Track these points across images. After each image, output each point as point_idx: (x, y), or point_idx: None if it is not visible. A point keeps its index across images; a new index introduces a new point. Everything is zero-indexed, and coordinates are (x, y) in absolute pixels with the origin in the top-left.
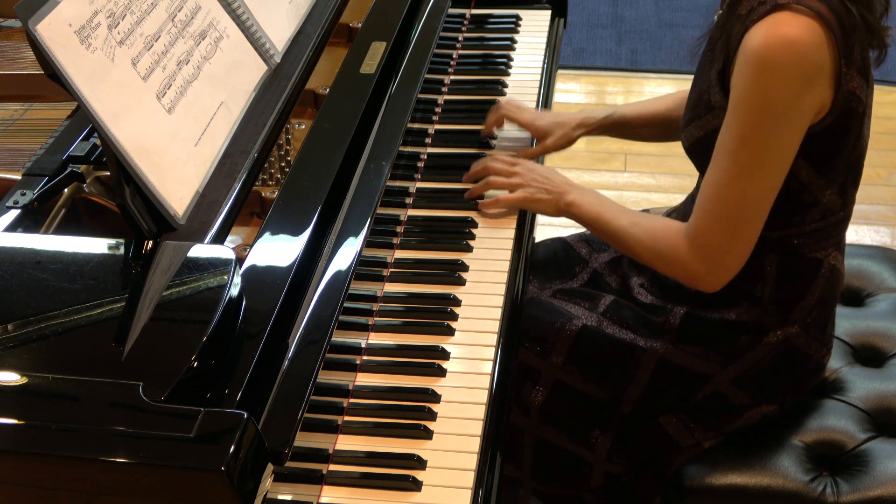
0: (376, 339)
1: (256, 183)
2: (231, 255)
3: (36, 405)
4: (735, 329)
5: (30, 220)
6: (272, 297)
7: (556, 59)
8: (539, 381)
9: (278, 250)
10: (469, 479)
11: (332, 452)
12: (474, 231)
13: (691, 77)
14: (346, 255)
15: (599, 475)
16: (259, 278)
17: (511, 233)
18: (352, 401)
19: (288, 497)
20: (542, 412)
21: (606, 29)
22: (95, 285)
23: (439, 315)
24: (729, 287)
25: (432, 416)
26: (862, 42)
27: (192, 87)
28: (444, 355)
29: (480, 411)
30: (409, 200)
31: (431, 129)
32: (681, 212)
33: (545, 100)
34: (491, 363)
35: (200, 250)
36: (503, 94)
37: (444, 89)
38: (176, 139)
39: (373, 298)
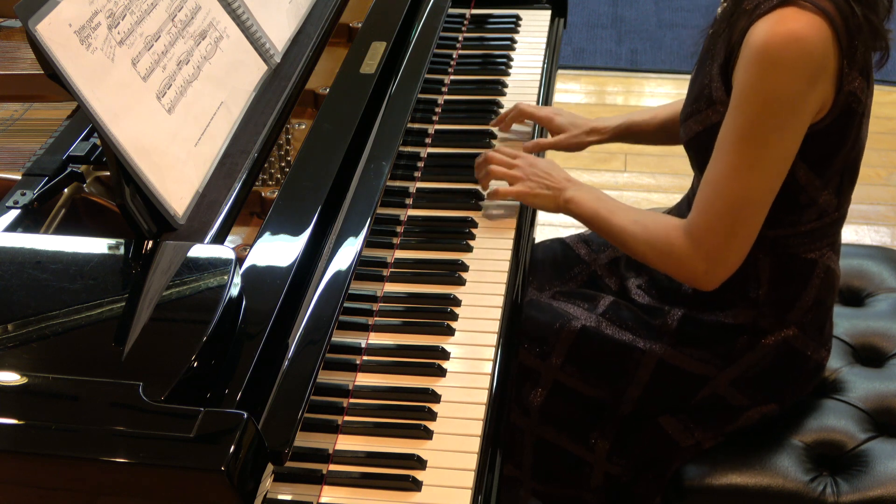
0: (376, 339)
1: (256, 183)
2: (231, 255)
3: (36, 405)
4: (732, 331)
5: (30, 220)
6: (272, 297)
7: (556, 59)
8: (539, 382)
9: (278, 250)
10: (469, 479)
11: (332, 452)
12: (474, 231)
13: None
14: (346, 255)
15: (599, 475)
16: (259, 278)
17: (511, 233)
18: (352, 401)
19: (288, 497)
20: (541, 413)
21: (606, 29)
22: (95, 285)
23: (439, 315)
24: (724, 289)
25: (432, 416)
26: (865, 43)
27: (192, 87)
28: (444, 355)
29: (480, 411)
30: (408, 200)
31: (431, 129)
32: (676, 213)
33: (545, 100)
34: (491, 363)
35: (200, 250)
36: (503, 94)
37: (444, 89)
38: (176, 139)
39: (373, 298)
